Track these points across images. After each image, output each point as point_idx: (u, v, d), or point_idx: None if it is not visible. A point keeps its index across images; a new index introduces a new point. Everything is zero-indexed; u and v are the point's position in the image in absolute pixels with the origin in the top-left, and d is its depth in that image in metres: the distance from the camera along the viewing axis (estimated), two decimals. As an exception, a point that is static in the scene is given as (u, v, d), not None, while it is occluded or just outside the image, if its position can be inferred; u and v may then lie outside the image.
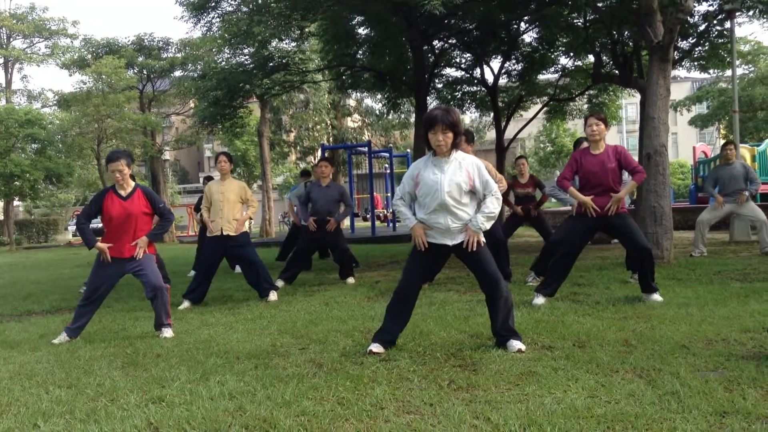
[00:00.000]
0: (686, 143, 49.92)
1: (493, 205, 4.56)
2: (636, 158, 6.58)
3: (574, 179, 6.40)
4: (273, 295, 7.58)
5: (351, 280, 8.83)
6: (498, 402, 3.34)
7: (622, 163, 6.15)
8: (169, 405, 3.59)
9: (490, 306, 4.63)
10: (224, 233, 7.52)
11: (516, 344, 4.44)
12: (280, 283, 8.42)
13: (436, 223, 4.55)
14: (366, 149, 20.48)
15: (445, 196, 4.47)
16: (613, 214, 6.05)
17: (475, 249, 4.54)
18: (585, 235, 6.35)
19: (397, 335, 4.72)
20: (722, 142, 14.22)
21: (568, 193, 6.36)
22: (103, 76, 24.78)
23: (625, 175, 6.48)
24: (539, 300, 6.20)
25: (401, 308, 4.71)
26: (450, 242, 4.58)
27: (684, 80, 47.68)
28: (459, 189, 4.49)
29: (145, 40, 27.19)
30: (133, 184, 5.80)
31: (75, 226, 5.74)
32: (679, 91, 35.97)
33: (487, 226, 4.56)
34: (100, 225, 5.91)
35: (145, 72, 27.26)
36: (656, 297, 6.05)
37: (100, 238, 5.82)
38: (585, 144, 6.56)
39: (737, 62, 15.48)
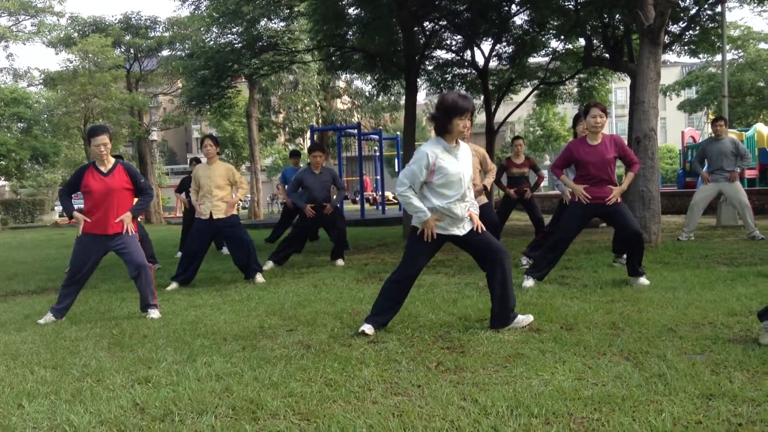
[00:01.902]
0: (675, 128, 50.12)
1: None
2: (625, 142, 6.57)
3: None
4: (260, 277, 7.56)
5: (340, 262, 8.83)
6: (486, 384, 3.34)
7: (620, 154, 6.15)
8: (156, 386, 3.57)
9: (495, 283, 4.60)
10: (213, 216, 7.48)
11: (524, 318, 4.59)
12: (269, 265, 8.39)
13: (452, 213, 4.49)
14: (355, 131, 20.40)
15: (466, 186, 4.48)
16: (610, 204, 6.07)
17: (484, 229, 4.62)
18: (581, 223, 6.35)
19: (389, 320, 4.71)
20: (710, 127, 14.20)
21: (560, 180, 6.47)
22: (90, 55, 24.52)
23: None
24: (529, 283, 6.21)
25: (398, 295, 4.70)
26: (459, 232, 4.57)
27: (673, 65, 47.76)
28: (471, 177, 4.56)
29: (133, 19, 26.87)
30: (113, 160, 5.75)
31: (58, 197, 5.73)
32: (668, 76, 35.99)
33: None
34: (81, 206, 5.83)
35: (132, 51, 26.96)
36: (643, 281, 6.07)
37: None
38: (582, 125, 6.53)
39: (727, 47, 15.49)
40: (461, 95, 4.43)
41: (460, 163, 4.45)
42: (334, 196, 8.94)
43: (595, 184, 6.08)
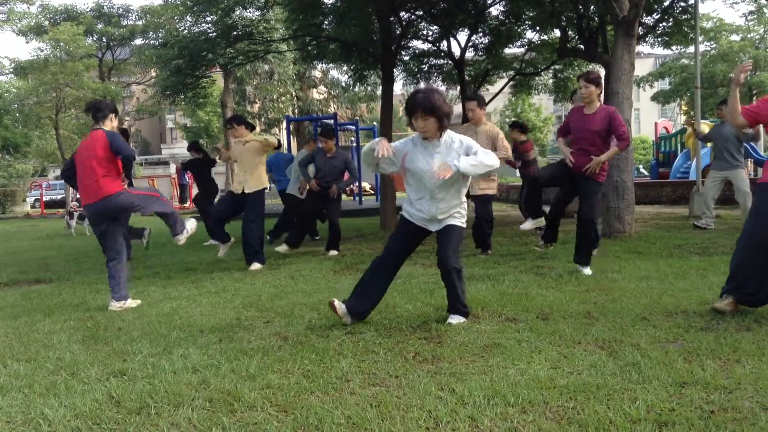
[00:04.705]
0: (648, 119, 50.61)
1: (485, 157, 4.27)
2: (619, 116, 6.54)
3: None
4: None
5: (333, 252, 8.92)
6: (463, 374, 3.36)
7: (611, 126, 6.11)
8: (131, 378, 3.54)
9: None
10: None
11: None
12: (283, 248, 8.72)
13: (420, 210, 4.46)
14: (332, 122, 20.32)
15: (434, 186, 4.31)
16: (588, 176, 6.10)
17: (446, 177, 4.18)
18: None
19: (364, 309, 4.59)
20: (683, 118, 14.33)
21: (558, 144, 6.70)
22: (61, 44, 24.16)
23: None
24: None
25: (375, 280, 4.58)
26: (434, 228, 4.53)
27: (647, 56, 48.16)
28: (450, 178, 4.23)
29: (105, 7, 26.54)
30: None
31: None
32: (642, 67, 36.35)
33: (471, 170, 4.23)
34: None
35: (104, 40, 26.64)
36: (587, 271, 6.20)
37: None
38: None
39: (700, 39, 15.67)
40: (419, 90, 4.34)
41: (434, 162, 4.44)
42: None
43: (577, 150, 6.18)
